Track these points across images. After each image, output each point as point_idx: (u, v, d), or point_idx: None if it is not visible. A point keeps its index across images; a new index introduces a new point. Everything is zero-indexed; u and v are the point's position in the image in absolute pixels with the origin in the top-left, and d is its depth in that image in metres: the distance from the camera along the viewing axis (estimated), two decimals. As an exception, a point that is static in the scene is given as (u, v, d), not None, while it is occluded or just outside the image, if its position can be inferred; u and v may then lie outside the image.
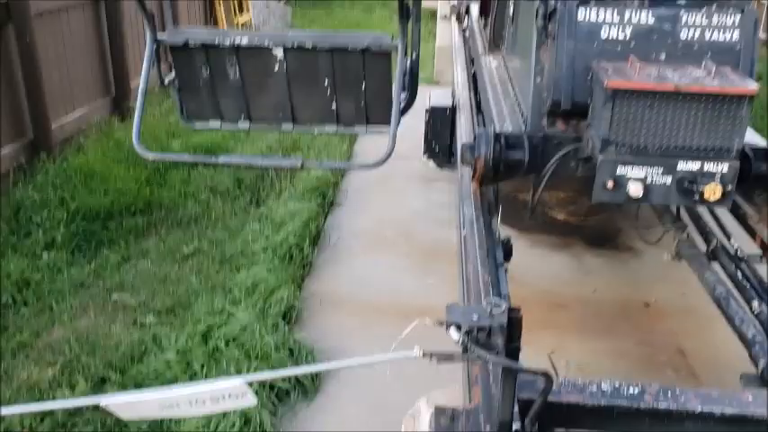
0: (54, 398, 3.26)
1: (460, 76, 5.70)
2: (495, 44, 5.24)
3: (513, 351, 1.93)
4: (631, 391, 2.28)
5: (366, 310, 4.08)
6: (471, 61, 5.82)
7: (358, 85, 2.86)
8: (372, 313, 4.04)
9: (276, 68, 2.85)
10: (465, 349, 1.77)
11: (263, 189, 5.83)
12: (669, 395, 2.22)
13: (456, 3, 7.68)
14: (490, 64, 4.97)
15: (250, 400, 1.97)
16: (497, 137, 3.48)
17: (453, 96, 5.51)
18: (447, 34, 8.54)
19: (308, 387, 3.28)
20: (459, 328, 1.78)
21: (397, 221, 5.27)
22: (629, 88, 2.90)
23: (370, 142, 7.09)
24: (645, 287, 4.40)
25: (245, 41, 2.76)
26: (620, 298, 4.30)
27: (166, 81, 2.87)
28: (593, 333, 3.94)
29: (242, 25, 10.64)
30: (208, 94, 2.94)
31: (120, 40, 7.18)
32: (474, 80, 5.39)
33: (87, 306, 4.11)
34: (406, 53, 2.75)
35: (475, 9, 6.79)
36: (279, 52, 2.80)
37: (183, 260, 4.68)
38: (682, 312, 4.07)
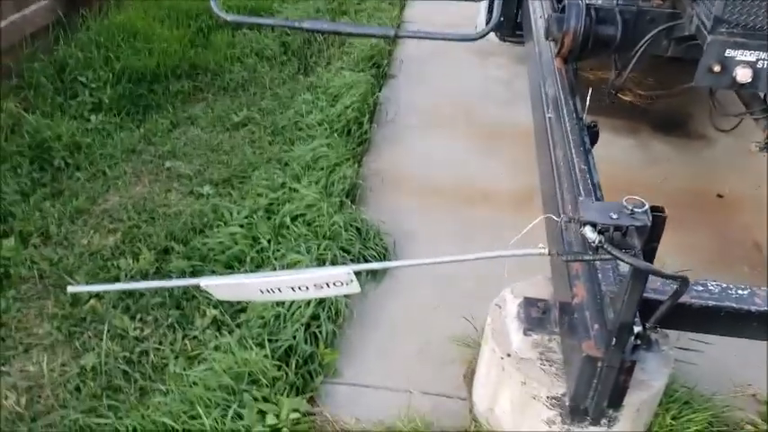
0: (118, 267, 3.22)
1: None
2: None
3: (649, 252, 1.80)
4: (740, 293, 2.17)
5: (429, 191, 3.93)
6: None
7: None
8: (435, 195, 3.90)
9: None
10: (597, 249, 1.64)
11: (311, 56, 5.53)
12: (777, 298, 2.12)
13: None
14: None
15: (355, 288, 1.88)
16: (588, 9, 3.19)
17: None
18: None
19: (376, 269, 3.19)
20: (593, 226, 1.64)
21: (456, 97, 5.01)
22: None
23: (420, 6, 6.67)
24: (718, 177, 4.20)
25: None
26: (692, 188, 4.11)
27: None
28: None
29: None
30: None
31: None
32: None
33: (141, 173, 4.00)
34: None
35: None
36: None
37: (234, 129, 4.51)
38: (757, 205, 3.89)
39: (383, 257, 3.25)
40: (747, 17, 2.66)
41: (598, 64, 4.51)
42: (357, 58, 5.20)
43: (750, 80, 2.77)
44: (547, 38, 3.41)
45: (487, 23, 4.42)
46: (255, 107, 4.76)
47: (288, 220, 3.32)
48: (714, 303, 2.11)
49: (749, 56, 2.76)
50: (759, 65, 2.77)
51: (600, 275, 2.10)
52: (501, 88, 5.20)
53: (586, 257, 1.74)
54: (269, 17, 5.45)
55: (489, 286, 2.65)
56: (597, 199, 2.42)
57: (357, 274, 3.20)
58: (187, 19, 5.71)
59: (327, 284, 1.82)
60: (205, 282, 1.83)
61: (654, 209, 1.70)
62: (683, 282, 1.63)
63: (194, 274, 3.13)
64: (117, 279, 3.13)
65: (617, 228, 1.63)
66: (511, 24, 5.29)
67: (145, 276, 3.12)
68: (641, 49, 3.19)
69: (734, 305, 2.11)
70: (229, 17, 2.71)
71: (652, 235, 1.69)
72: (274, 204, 3.50)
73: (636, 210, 1.65)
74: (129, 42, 5.13)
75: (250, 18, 4.99)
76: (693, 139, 4.67)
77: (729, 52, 2.76)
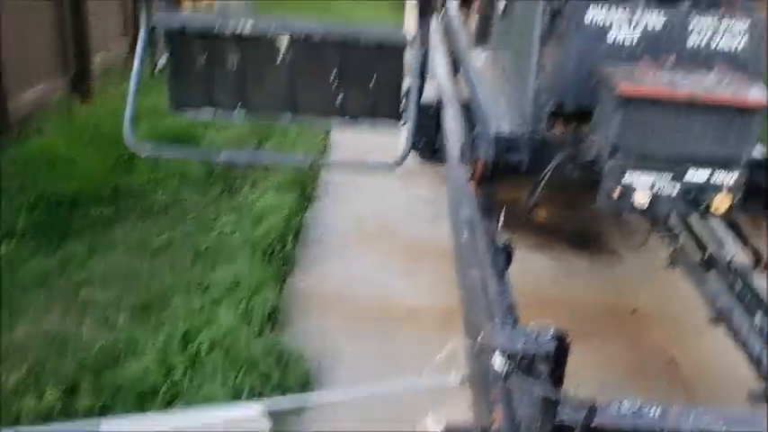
0: (20, 407, 3.01)
1: (443, 71, 5.56)
2: (481, 39, 5.12)
3: (557, 379, 1.82)
4: (653, 412, 2.21)
5: (354, 312, 3.93)
6: (456, 54, 5.70)
7: (367, 79, 2.72)
8: (361, 315, 3.89)
9: (280, 57, 2.67)
10: (507, 377, 1.66)
11: (236, 177, 5.59)
12: (692, 417, 2.16)
13: (433, -10, 7.51)
14: (477, 60, 4.86)
15: (265, 425, 1.82)
16: (497, 138, 3.39)
17: (437, 90, 5.37)
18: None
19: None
20: (503, 352, 1.66)
21: (380, 217, 5.13)
22: (642, 94, 2.83)
23: (345, 133, 6.90)
24: (631, 292, 4.38)
25: (248, 29, 2.58)
26: (607, 303, 4.26)
27: (158, 67, 2.66)
28: (580, 339, 3.86)
29: (205, 6, 10.25)
30: (202, 82, 2.75)
31: (81, 13, 6.78)
32: (458, 76, 5.27)
33: (54, 302, 3.84)
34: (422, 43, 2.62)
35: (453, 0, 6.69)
36: (284, 41, 2.62)
37: (155, 253, 4.43)
38: (670, 319, 4.05)
39: (304, 386, 3.17)
40: (641, 144, 2.89)
41: (512, 185, 4.74)
42: (283, 179, 5.29)
43: (648, 205, 2.97)
44: (461, 162, 3.59)
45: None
46: (178, 230, 4.71)
47: (205, 347, 3.22)
48: (627, 425, 2.13)
49: (646, 180, 2.97)
50: (655, 189, 2.97)
51: (516, 400, 2.10)
52: (424, 207, 5.36)
53: (495, 388, 1.76)
54: (186, 149, 5.48)
55: (414, 410, 2.60)
56: (512, 320, 2.46)
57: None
58: (110, 143, 5.72)
59: (239, 421, 1.76)
60: (106, 427, 1.73)
61: (558, 335, 1.75)
62: (591, 410, 1.65)
63: (103, 412, 2.96)
64: (18, 421, 2.92)
65: (524, 356, 1.66)
66: (431, 146, 5.55)
67: (48, 417, 2.92)
68: (547, 175, 3.38)
69: (646, 426, 2.14)
70: (145, 151, 2.74)
71: (559, 359, 1.72)
72: (192, 331, 3.40)
73: (542, 336, 1.69)
74: (48, 167, 5.07)
75: (166, 151, 5.04)
76: (605, 254, 4.89)
77: (628, 177, 2.96)
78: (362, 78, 2.74)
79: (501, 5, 4.50)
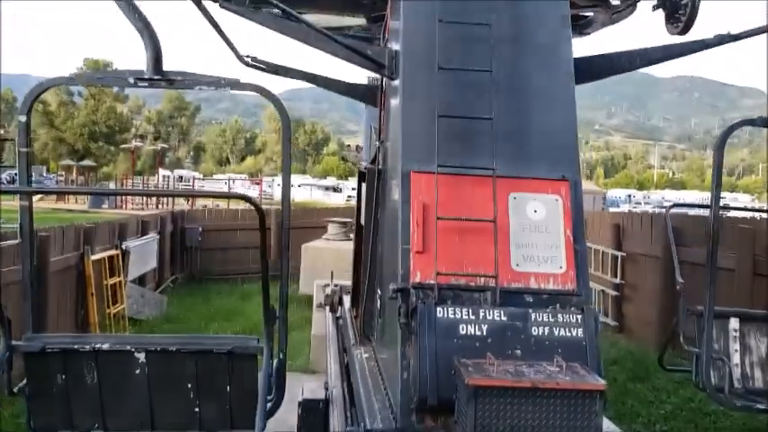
0: None
1: (333, 368, 5.72)
2: (365, 336, 5.39)
3: None
4: None
5: None
6: (344, 351, 5.90)
7: (223, 388, 2.81)
8: None
9: (137, 372, 2.76)
10: None
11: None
12: None
13: (329, 292, 8.00)
14: (361, 356, 5.06)
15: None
16: (368, 436, 3.44)
17: (326, 388, 5.46)
18: (322, 323, 8.73)
19: None
20: None
21: None
22: (490, 385, 3.02)
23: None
24: None
25: (105, 346, 2.70)
26: None
27: (16, 388, 2.69)
28: None
29: (114, 315, 10.42)
30: (61, 402, 2.76)
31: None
32: (347, 371, 5.41)
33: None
34: (271, 355, 2.78)
35: (347, 299, 7.07)
36: (141, 356, 2.74)
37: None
38: None
39: None
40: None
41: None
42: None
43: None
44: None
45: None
46: None
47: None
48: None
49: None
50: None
51: None
52: None
53: None
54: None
55: None
56: None
57: None
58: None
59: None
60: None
61: None
62: None
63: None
64: None
65: None
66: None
67: None
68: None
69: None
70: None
71: None
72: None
73: None
74: None
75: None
76: None
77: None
78: (218, 388, 2.83)
79: (379, 303, 4.85)
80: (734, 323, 3.80)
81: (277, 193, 65.05)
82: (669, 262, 5.15)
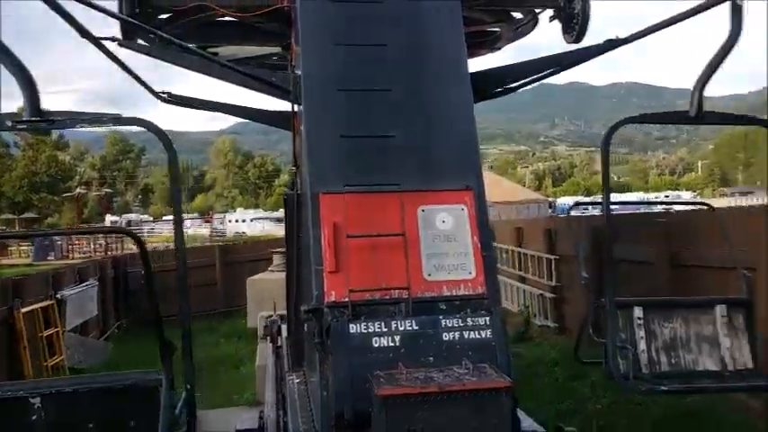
0: None
1: (270, 396, 5.69)
2: (297, 362, 5.39)
3: None
4: None
5: None
6: (281, 379, 5.88)
7: (126, 426, 2.76)
8: None
9: (34, 418, 2.69)
10: None
11: None
12: None
13: (269, 323, 7.96)
14: (293, 382, 5.06)
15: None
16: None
17: (261, 417, 5.43)
18: (265, 354, 8.65)
19: None
20: None
21: None
22: (398, 394, 3.06)
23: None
24: None
25: (-1, 395, 2.64)
26: None
27: None
28: None
29: (53, 367, 10.11)
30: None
31: None
32: (284, 398, 5.39)
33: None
34: (172, 387, 2.75)
35: (285, 329, 7.05)
36: (36, 401, 2.68)
37: None
38: None
39: None
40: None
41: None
42: None
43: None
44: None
45: None
46: None
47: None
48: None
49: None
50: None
51: None
52: None
53: None
54: None
55: None
56: None
57: None
58: None
59: None
60: None
61: None
62: None
63: None
64: None
65: None
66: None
67: None
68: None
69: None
70: None
71: None
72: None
73: None
74: None
75: None
76: None
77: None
78: (122, 427, 2.78)
79: (305, 327, 4.86)
80: (638, 312, 3.94)
81: (229, 229, 64.72)
82: (591, 260, 5.31)
